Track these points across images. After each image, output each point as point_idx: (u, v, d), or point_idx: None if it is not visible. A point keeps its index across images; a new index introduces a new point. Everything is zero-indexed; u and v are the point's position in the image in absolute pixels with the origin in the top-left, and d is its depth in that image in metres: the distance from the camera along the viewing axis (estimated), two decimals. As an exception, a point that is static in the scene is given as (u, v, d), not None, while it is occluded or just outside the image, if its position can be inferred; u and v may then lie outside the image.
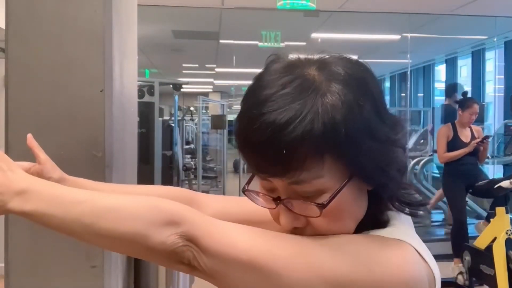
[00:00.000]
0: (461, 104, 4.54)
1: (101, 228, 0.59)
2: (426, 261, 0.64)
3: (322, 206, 0.62)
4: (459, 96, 5.85)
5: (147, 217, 0.60)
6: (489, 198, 4.44)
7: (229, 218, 0.78)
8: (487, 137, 4.56)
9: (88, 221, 0.59)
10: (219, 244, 0.60)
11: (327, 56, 0.66)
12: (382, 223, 0.70)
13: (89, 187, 0.91)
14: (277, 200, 0.65)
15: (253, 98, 0.63)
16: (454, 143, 4.44)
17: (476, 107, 4.44)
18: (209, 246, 0.60)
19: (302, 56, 0.66)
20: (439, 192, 5.77)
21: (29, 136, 0.92)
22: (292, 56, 0.66)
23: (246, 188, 0.69)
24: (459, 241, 4.22)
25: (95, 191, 0.65)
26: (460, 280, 3.96)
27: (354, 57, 0.67)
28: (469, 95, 8.08)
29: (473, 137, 4.48)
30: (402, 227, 0.69)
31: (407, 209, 0.71)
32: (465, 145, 4.40)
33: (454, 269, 4.11)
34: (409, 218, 0.74)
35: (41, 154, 0.92)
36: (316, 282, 0.59)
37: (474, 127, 4.60)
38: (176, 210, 0.61)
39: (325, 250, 0.61)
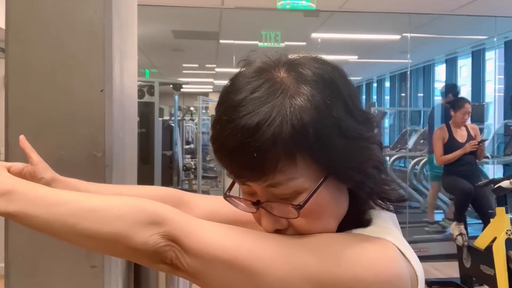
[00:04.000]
0: (453, 105, 4.56)
1: (84, 228, 0.60)
2: (408, 259, 0.64)
3: (298, 207, 0.62)
4: (451, 97, 5.87)
5: (129, 217, 0.60)
6: (475, 208, 4.46)
7: (217, 218, 0.78)
8: (482, 141, 4.56)
9: (71, 222, 0.60)
10: (201, 244, 0.61)
11: (297, 57, 0.66)
12: (364, 222, 0.70)
13: (80, 188, 0.93)
14: (256, 204, 0.66)
15: (225, 104, 0.64)
16: (450, 144, 4.45)
17: (468, 106, 4.44)
18: (191, 245, 0.61)
19: (272, 58, 0.67)
20: (432, 187, 5.82)
21: (22, 137, 0.93)
22: (263, 59, 0.67)
23: (228, 193, 0.71)
24: (463, 206, 4.27)
25: (80, 192, 0.65)
26: (459, 241, 3.97)
27: (326, 57, 0.68)
28: (469, 95, 8.12)
29: (469, 136, 4.48)
30: (384, 225, 0.69)
31: (390, 206, 0.72)
32: (461, 145, 4.41)
33: (454, 229, 4.09)
34: (393, 216, 0.74)
35: (34, 155, 0.92)
36: (298, 281, 0.59)
37: (470, 125, 4.60)
38: (158, 210, 0.62)
39: (307, 250, 0.61)
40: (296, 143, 0.60)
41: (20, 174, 0.89)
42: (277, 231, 0.66)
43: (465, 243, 3.92)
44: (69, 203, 0.61)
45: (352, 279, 0.59)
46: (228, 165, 0.64)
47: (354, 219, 0.69)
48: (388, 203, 0.72)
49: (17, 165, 0.91)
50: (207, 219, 0.67)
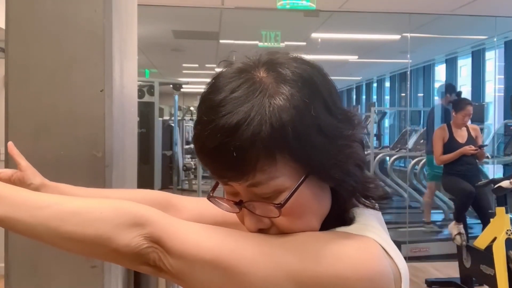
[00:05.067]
0: (455, 106, 4.54)
1: (66, 231, 0.60)
2: (391, 257, 0.64)
3: (279, 206, 0.62)
4: (451, 97, 5.86)
5: (111, 219, 0.61)
6: (474, 209, 4.44)
7: (206, 220, 0.78)
8: (482, 146, 4.55)
9: (53, 225, 0.60)
10: (184, 245, 0.61)
11: (277, 57, 0.67)
12: (348, 221, 0.70)
13: (69, 193, 0.94)
14: (239, 204, 0.66)
15: (205, 104, 0.64)
16: (450, 145, 4.44)
17: (469, 108, 4.42)
18: (174, 246, 0.61)
19: (252, 58, 0.67)
20: (428, 187, 5.83)
21: (10, 144, 0.94)
22: (243, 59, 0.68)
23: (211, 194, 0.71)
24: (464, 207, 4.27)
25: (62, 196, 0.66)
26: (458, 240, 3.98)
27: (307, 56, 0.68)
28: (469, 95, 8.11)
29: (469, 137, 4.47)
30: (366, 223, 0.69)
31: (374, 203, 0.72)
32: (461, 145, 4.40)
33: (453, 229, 4.11)
34: (378, 214, 0.74)
35: (22, 161, 0.93)
36: (281, 280, 0.59)
37: (471, 126, 4.59)
38: (140, 212, 0.62)
39: (290, 248, 0.61)
40: (275, 142, 0.60)
41: (10, 181, 0.90)
42: (260, 231, 0.66)
43: (464, 242, 3.92)
44: (51, 206, 0.62)
45: (334, 277, 0.59)
46: (209, 166, 0.64)
47: (337, 217, 0.69)
48: (372, 200, 0.72)
49: (6, 172, 0.92)
50: (196, 221, 0.68)
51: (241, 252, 0.61)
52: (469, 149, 4.30)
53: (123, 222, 0.60)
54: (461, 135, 4.48)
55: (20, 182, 0.90)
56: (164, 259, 0.61)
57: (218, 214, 0.84)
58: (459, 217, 4.22)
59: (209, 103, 0.63)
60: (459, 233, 4.00)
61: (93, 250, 0.62)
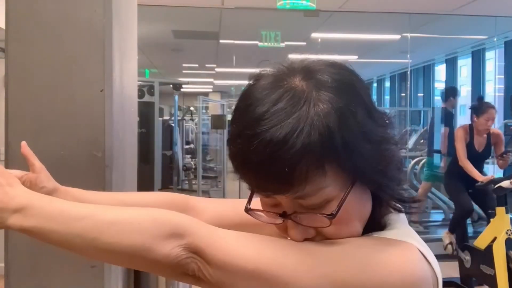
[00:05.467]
0: (476, 110, 4.28)
1: (104, 242, 0.59)
2: (429, 261, 0.64)
3: (331, 216, 0.62)
4: (456, 100, 5.84)
5: (150, 230, 0.59)
6: (480, 207, 4.42)
7: (225, 222, 0.78)
8: (506, 152, 4.30)
9: (91, 236, 0.59)
10: (224, 255, 0.60)
11: (311, 63, 0.65)
12: (383, 225, 0.70)
13: (81, 197, 0.91)
14: (283, 215, 0.65)
15: (245, 118, 0.62)
16: (467, 149, 4.27)
17: (492, 112, 4.22)
18: (214, 257, 0.60)
19: (285, 66, 0.66)
20: (422, 187, 5.79)
21: (23, 144, 0.91)
22: (275, 67, 0.66)
23: (248, 207, 0.69)
24: (458, 222, 4.24)
25: (97, 205, 0.64)
26: (449, 249, 3.99)
27: (337, 58, 0.67)
28: (469, 95, 8.12)
29: (487, 145, 4.32)
30: (402, 228, 0.69)
31: (404, 207, 0.72)
32: (476, 154, 4.27)
33: (445, 238, 4.12)
34: (404, 217, 0.74)
35: (36, 163, 0.90)
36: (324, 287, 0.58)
37: (493, 130, 4.37)
38: (179, 222, 0.61)
39: (332, 256, 0.61)
40: (325, 152, 0.59)
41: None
42: (305, 239, 0.66)
43: (454, 252, 3.92)
44: (88, 217, 0.60)
45: (379, 284, 0.59)
46: (253, 180, 0.63)
47: (373, 222, 0.69)
48: (405, 204, 0.72)
49: (16, 173, 0.87)
50: (215, 224, 0.67)
51: (283, 262, 0.60)
52: (480, 182, 3.99)
53: (162, 233, 0.59)
54: (479, 142, 4.31)
55: (32, 184, 0.87)
56: (203, 269, 0.60)
57: (236, 215, 0.84)
58: (453, 229, 4.21)
59: (251, 116, 0.61)
60: (450, 243, 4.02)
61: (131, 261, 0.61)
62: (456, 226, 4.24)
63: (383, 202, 0.70)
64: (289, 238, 0.66)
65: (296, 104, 0.60)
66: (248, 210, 0.69)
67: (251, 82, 0.66)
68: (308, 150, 0.58)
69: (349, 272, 0.59)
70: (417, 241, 0.65)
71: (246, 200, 0.70)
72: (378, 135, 0.64)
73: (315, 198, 0.61)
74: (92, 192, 0.95)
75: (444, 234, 4.17)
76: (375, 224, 0.69)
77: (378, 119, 0.65)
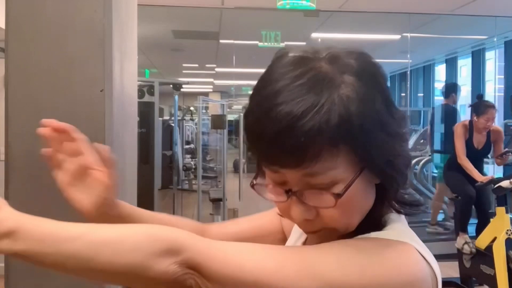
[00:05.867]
0: (476, 109, 4.24)
1: (100, 263, 0.57)
2: (427, 260, 0.64)
3: (338, 196, 0.62)
4: (457, 96, 5.82)
5: (146, 247, 0.58)
6: (475, 206, 4.40)
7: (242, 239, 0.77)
8: (506, 153, 4.29)
9: (85, 258, 0.57)
10: (222, 268, 0.59)
11: (336, 49, 0.66)
12: (382, 225, 0.70)
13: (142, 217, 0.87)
14: (289, 192, 0.65)
15: (266, 90, 0.62)
16: (465, 147, 4.25)
17: (493, 112, 4.19)
18: (212, 271, 0.59)
19: (309, 49, 0.66)
20: (438, 190, 5.74)
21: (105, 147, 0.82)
22: (299, 51, 0.66)
23: (254, 182, 0.69)
24: (465, 215, 4.16)
25: (88, 225, 0.61)
26: (467, 249, 3.87)
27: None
28: (469, 95, 8.11)
29: (487, 143, 4.30)
30: (400, 228, 0.69)
31: (406, 208, 0.72)
32: (475, 152, 4.26)
33: (460, 241, 4.01)
34: (404, 218, 0.74)
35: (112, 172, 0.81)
36: None
37: (494, 127, 4.33)
38: (174, 237, 0.60)
39: (332, 262, 0.60)
40: (341, 133, 0.59)
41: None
42: (305, 222, 0.66)
43: (472, 249, 3.82)
44: (80, 237, 0.58)
45: (379, 285, 0.59)
46: (266, 151, 0.62)
47: (374, 220, 0.69)
48: (406, 207, 0.72)
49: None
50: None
51: (284, 272, 0.59)
52: (480, 182, 4.01)
53: (157, 250, 0.57)
54: (478, 140, 4.28)
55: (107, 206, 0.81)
56: (202, 284, 0.59)
57: (252, 229, 0.85)
58: (463, 227, 4.10)
59: (272, 88, 0.62)
60: (466, 242, 3.93)
61: (128, 280, 0.59)
62: (464, 220, 4.13)
63: (385, 200, 0.70)
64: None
65: (319, 83, 0.61)
66: (253, 184, 0.69)
67: (274, 59, 0.66)
68: (325, 128, 0.59)
69: (349, 277, 0.59)
70: (415, 242, 0.66)
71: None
72: (393, 128, 0.65)
73: (323, 177, 0.61)
74: (145, 212, 0.90)
75: (458, 239, 4.08)
76: (374, 222, 0.69)
77: (394, 113, 0.66)
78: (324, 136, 0.59)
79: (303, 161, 0.60)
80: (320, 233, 0.67)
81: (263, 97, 0.62)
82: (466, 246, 3.90)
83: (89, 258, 0.57)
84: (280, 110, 0.59)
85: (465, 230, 4.09)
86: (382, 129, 0.63)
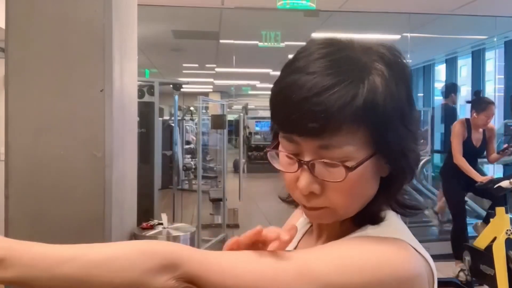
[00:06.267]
0: (475, 106, 4.21)
1: (95, 284, 0.56)
2: (422, 255, 0.66)
3: (349, 169, 0.63)
4: (457, 96, 5.82)
5: (140, 265, 0.57)
6: (488, 199, 4.38)
7: None
8: (505, 149, 4.28)
9: (80, 280, 0.56)
10: (221, 280, 0.59)
11: (369, 41, 0.70)
12: (379, 220, 0.71)
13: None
14: (301, 162, 0.66)
15: (299, 62, 0.65)
16: (465, 146, 4.22)
17: (492, 108, 4.15)
18: (211, 284, 0.59)
19: (343, 38, 0.70)
20: (440, 196, 5.72)
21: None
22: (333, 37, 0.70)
23: (268, 149, 0.71)
24: (459, 242, 4.16)
25: (81, 245, 0.59)
26: (462, 277, 3.92)
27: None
28: (469, 95, 8.11)
29: (484, 140, 4.28)
30: (396, 224, 0.71)
31: (405, 210, 0.74)
32: (474, 150, 4.24)
33: (456, 269, 4.08)
34: (399, 216, 0.75)
35: None
36: None
37: (488, 125, 4.31)
38: (169, 251, 0.59)
39: (328, 263, 0.61)
40: (365, 114, 0.62)
41: None
42: (309, 196, 0.66)
43: (468, 277, 3.82)
44: (73, 259, 0.57)
45: (377, 284, 0.60)
46: (290, 117, 0.63)
47: (372, 214, 0.70)
48: (406, 209, 0.74)
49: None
50: None
51: (282, 278, 0.60)
52: (480, 182, 3.97)
53: (153, 266, 0.57)
54: (476, 138, 4.26)
55: None
56: None
57: None
58: (458, 255, 4.12)
59: (305, 61, 0.65)
60: (462, 270, 3.96)
61: None
62: (459, 247, 4.11)
63: (387, 195, 0.71)
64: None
65: (351, 63, 0.64)
66: (268, 150, 0.70)
67: (308, 41, 0.70)
68: (351, 104, 0.61)
69: (347, 277, 0.59)
70: (410, 239, 0.67)
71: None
72: (410, 122, 0.67)
73: (338, 151, 0.63)
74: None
75: (454, 266, 4.08)
76: (372, 216, 0.70)
77: (413, 110, 0.68)
78: (348, 112, 0.61)
79: (323, 131, 0.62)
80: (320, 213, 0.68)
81: (296, 68, 0.65)
82: (461, 274, 3.97)
83: (83, 280, 0.56)
84: (311, 78, 0.62)
85: (460, 258, 4.08)
86: (402, 121, 0.65)
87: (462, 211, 4.33)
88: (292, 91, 0.63)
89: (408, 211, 0.74)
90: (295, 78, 0.64)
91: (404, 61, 0.69)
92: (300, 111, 0.62)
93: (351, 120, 0.61)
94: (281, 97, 0.65)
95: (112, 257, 0.57)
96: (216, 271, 0.59)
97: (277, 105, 0.66)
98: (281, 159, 0.69)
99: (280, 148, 0.69)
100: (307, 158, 0.65)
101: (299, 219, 0.88)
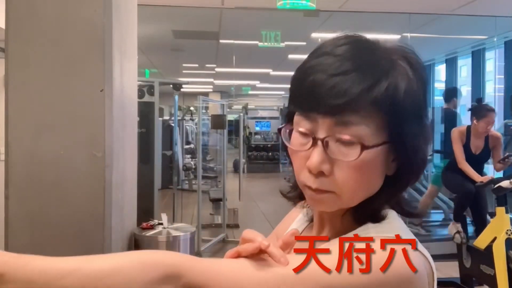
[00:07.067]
0: (476, 113, 4.21)
1: None
2: (422, 252, 0.66)
3: (364, 147, 0.64)
4: (458, 100, 5.81)
5: (142, 277, 0.56)
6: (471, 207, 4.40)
7: None
8: (507, 157, 4.23)
9: None
10: None
11: (390, 42, 0.74)
12: (379, 219, 0.71)
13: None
14: (316, 138, 0.66)
15: (324, 49, 0.69)
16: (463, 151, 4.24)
17: (492, 115, 4.16)
18: None
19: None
20: (429, 191, 5.74)
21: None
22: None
23: (282, 126, 0.72)
24: (461, 207, 4.21)
25: (80, 258, 0.58)
26: (458, 238, 3.92)
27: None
28: (469, 95, 8.11)
29: (485, 148, 4.28)
30: (396, 222, 0.71)
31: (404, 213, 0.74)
32: (473, 156, 4.24)
33: (452, 228, 4.03)
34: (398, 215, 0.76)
35: None
36: None
37: (493, 133, 4.31)
38: (170, 262, 0.58)
39: (330, 266, 0.61)
40: (386, 102, 0.64)
41: None
42: (318, 176, 0.67)
43: (463, 240, 3.88)
44: (72, 273, 0.55)
45: (376, 282, 0.60)
46: (313, 92, 0.65)
47: (373, 212, 0.71)
48: (408, 215, 0.74)
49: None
50: None
51: (285, 285, 0.59)
52: (480, 182, 3.99)
53: (155, 277, 0.56)
54: (476, 145, 4.26)
55: None
56: None
57: None
58: (457, 217, 4.19)
59: (332, 46, 0.68)
60: (458, 232, 3.96)
61: None
62: (460, 212, 4.17)
63: (390, 194, 0.71)
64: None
65: (379, 55, 0.68)
66: (280, 129, 0.72)
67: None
68: (375, 88, 0.64)
69: (348, 276, 0.59)
70: (409, 235, 0.68)
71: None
72: (424, 123, 0.70)
73: (355, 129, 0.64)
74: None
75: (450, 225, 4.11)
76: (373, 213, 0.71)
77: (427, 113, 0.71)
78: (370, 96, 0.63)
79: (344, 109, 0.63)
80: (324, 197, 0.68)
81: (322, 52, 0.68)
82: (457, 236, 3.94)
83: None
84: (338, 59, 0.65)
85: (458, 220, 4.13)
86: (417, 119, 0.68)
87: (469, 183, 4.21)
88: (317, 70, 0.65)
89: (411, 217, 0.75)
90: (321, 59, 0.66)
91: (424, 67, 0.72)
92: (324, 87, 0.64)
93: (371, 104, 0.64)
94: (305, 76, 0.67)
95: (114, 269, 0.56)
96: (219, 280, 0.59)
97: (300, 83, 0.68)
98: (293, 140, 0.69)
99: (294, 125, 0.69)
100: (322, 135, 0.66)
101: (294, 219, 0.88)
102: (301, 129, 0.68)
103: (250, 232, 0.65)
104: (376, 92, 0.63)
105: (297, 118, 0.69)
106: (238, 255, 0.64)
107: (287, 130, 0.71)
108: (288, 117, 0.72)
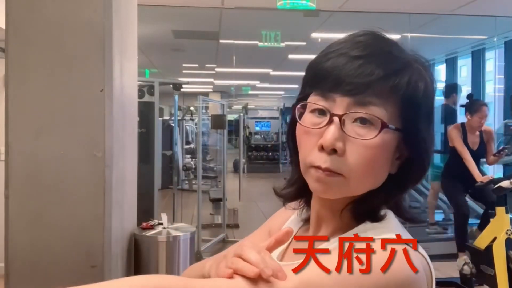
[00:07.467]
0: (469, 108, 4.32)
1: None
2: (420, 252, 0.66)
3: (385, 126, 0.66)
4: (458, 97, 5.82)
5: None
6: (483, 203, 4.41)
7: None
8: (501, 151, 4.34)
9: None
10: None
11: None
12: (378, 218, 0.71)
13: None
14: (333, 114, 0.66)
15: (344, 39, 0.70)
16: None
17: (485, 109, 4.26)
18: None
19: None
20: (432, 190, 5.75)
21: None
22: None
23: (296, 103, 0.72)
24: (463, 235, 4.19)
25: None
26: (467, 270, 3.88)
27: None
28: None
29: (481, 143, 4.33)
30: (394, 223, 0.71)
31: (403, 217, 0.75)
32: (472, 152, 4.26)
33: (460, 261, 4.04)
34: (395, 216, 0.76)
35: None
36: None
37: (485, 128, 4.40)
38: (169, 286, 0.58)
39: (330, 268, 0.60)
40: (406, 93, 0.67)
41: None
42: (329, 154, 0.66)
43: (472, 270, 3.79)
44: None
45: (375, 282, 0.59)
46: (337, 71, 0.66)
47: (372, 210, 0.71)
48: (408, 221, 0.75)
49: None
50: None
51: None
52: (480, 182, 4.02)
53: None
54: (472, 141, 4.32)
55: None
56: None
57: None
58: (461, 247, 4.11)
59: (351, 37, 0.70)
60: (466, 263, 3.93)
61: None
62: (463, 240, 4.14)
63: (390, 192, 0.71)
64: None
65: (398, 52, 0.70)
66: (295, 107, 0.72)
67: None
68: (396, 77, 0.66)
69: (346, 278, 0.59)
70: (405, 235, 0.68)
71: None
72: (431, 127, 0.72)
73: (373, 109, 0.66)
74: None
75: (458, 260, 4.07)
76: (372, 211, 0.71)
77: (433, 119, 0.73)
78: (394, 81, 0.66)
79: (367, 88, 0.65)
80: (332, 181, 0.67)
81: (342, 41, 0.70)
82: (466, 267, 3.92)
83: None
84: (363, 45, 0.67)
85: (464, 251, 4.07)
86: (429, 120, 0.71)
87: (464, 204, 4.31)
88: (340, 53, 0.67)
89: (411, 222, 0.75)
90: (342, 45, 0.68)
91: (433, 74, 0.74)
92: (348, 67, 0.65)
93: (392, 90, 0.66)
94: (326, 59, 0.68)
95: None
96: None
97: (320, 65, 0.68)
98: (306, 119, 0.69)
99: (308, 106, 0.70)
100: (340, 113, 0.66)
101: (287, 219, 0.87)
102: (318, 106, 0.68)
103: (252, 254, 0.60)
104: (398, 80, 0.66)
105: (312, 98, 0.69)
106: (233, 275, 0.60)
107: (299, 112, 0.71)
108: (300, 101, 0.72)
